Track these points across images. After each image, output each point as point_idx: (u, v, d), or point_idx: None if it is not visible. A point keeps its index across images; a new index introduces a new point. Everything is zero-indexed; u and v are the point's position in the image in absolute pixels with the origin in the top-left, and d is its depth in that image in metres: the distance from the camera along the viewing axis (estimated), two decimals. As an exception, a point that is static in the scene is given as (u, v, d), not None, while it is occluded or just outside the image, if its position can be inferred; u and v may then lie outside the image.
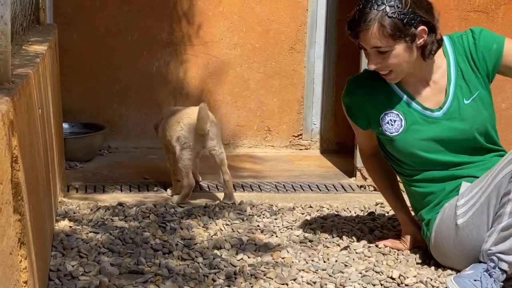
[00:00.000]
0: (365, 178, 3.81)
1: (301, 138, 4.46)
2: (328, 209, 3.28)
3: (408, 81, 2.64)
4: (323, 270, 2.59)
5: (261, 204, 3.31)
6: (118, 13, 4.23)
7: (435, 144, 2.62)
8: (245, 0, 4.29)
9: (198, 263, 2.61)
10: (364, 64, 3.72)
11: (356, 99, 2.71)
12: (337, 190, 3.71)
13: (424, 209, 2.69)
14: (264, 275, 2.52)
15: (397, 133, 2.64)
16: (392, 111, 2.64)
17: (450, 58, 2.63)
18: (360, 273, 2.57)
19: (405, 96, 2.64)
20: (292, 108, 4.43)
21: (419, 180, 2.68)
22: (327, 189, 3.71)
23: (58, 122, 3.40)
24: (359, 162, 3.82)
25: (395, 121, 2.64)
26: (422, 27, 2.50)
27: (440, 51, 2.61)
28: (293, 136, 4.46)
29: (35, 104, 2.28)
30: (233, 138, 4.40)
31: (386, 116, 2.65)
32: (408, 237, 2.80)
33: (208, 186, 3.64)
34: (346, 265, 2.63)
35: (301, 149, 4.47)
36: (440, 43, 2.58)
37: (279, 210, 3.25)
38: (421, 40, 2.52)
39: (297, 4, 4.33)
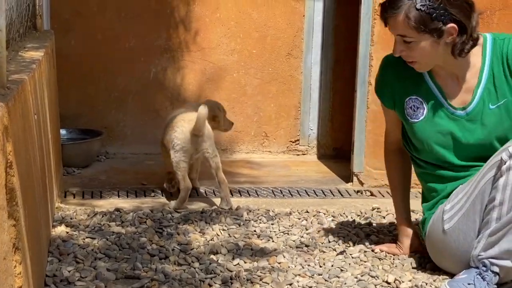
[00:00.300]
0: (361, 184, 3.82)
1: (298, 144, 4.47)
2: (324, 214, 3.29)
3: (439, 74, 2.62)
4: (319, 274, 2.59)
5: (258, 209, 3.31)
6: (115, 19, 4.24)
7: (450, 141, 2.60)
8: (242, 6, 4.31)
9: (195, 268, 2.62)
10: (362, 69, 3.76)
11: (389, 75, 2.70)
12: (333, 195, 3.71)
13: (427, 203, 2.70)
14: (260, 280, 2.52)
15: (417, 120, 2.63)
16: (418, 97, 2.64)
17: (486, 59, 2.58)
18: (356, 277, 2.57)
19: (433, 87, 2.62)
20: (289, 113, 4.44)
21: (429, 174, 2.68)
22: (324, 194, 3.71)
23: (55, 128, 3.40)
24: (356, 167, 3.84)
25: (418, 108, 2.63)
26: (451, 24, 2.46)
27: (479, 50, 2.57)
28: (290, 141, 4.46)
29: (30, 110, 2.28)
30: (230, 144, 4.41)
31: (411, 101, 2.64)
32: (404, 242, 2.80)
33: (205, 192, 3.65)
34: (342, 270, 2.64)
35: (298, 155, 4.47)
36: (475, 42, 2.53)
37: (275, 215, 3.25)
38: (449, 38, 2.48)
39: (293, 10, 4.34)
